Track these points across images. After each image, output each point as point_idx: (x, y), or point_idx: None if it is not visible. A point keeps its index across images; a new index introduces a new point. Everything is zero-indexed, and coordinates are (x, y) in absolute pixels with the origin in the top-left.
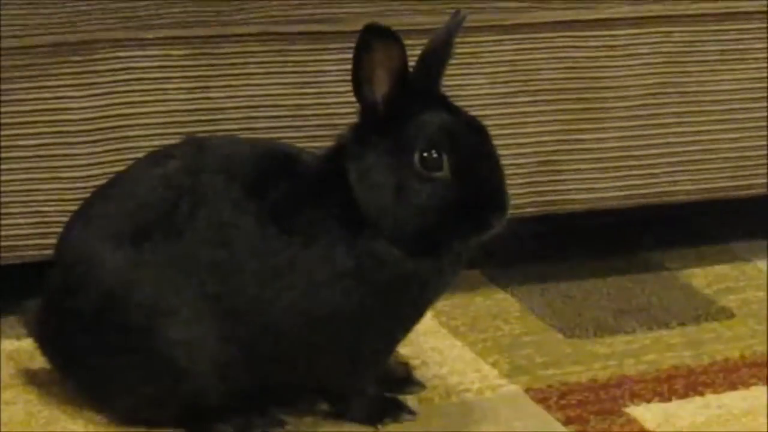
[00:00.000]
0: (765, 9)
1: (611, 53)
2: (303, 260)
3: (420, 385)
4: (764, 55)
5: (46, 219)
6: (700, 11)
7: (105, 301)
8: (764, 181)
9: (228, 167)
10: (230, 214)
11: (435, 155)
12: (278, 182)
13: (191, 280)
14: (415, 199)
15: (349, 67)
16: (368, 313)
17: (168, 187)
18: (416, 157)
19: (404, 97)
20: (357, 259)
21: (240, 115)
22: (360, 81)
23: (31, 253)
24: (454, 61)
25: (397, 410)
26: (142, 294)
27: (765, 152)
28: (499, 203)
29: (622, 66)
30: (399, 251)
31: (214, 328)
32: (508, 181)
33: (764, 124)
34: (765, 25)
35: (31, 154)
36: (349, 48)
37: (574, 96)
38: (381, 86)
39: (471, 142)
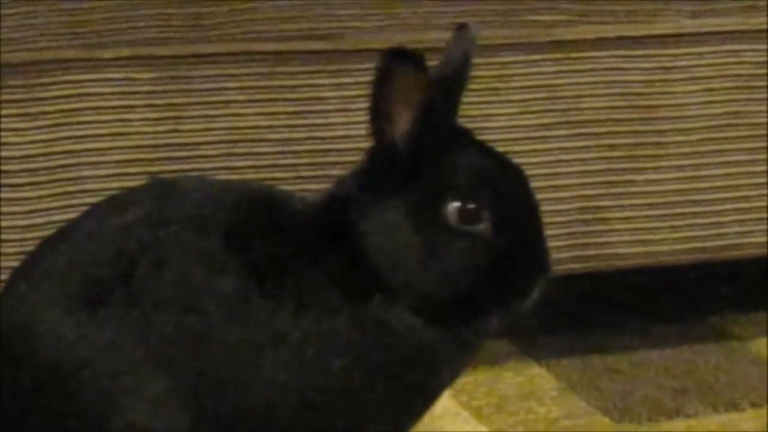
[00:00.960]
0: None
1: (669, 77)
2: (293, 331)
3: None
4: None
5: None
6: None
7: (51, 378)
8: None
9: (200, 217)
10: (203, 275)
11: (473, 205)
12: (263, 236)
13: (156, 353)
14: (449, 260)
15: (349, 93)
16: (375, 395)
17: (128, 241)
18: (449, 208)
19: (427, 135)
20: (363, 330)
21: (217, 152)
22: (378, 117)
23: None
24: (477, 87)
25: None
26: (97, 370)
27: None
28: (544, 264)
29: (683, 92)
30: (418, 320)
31: (183, 411)
32: (546, 232)
33: None
34: None
35: None
36: (350, 70)
37: (625, 129)
38: (403, 123)
39: (511, 189)
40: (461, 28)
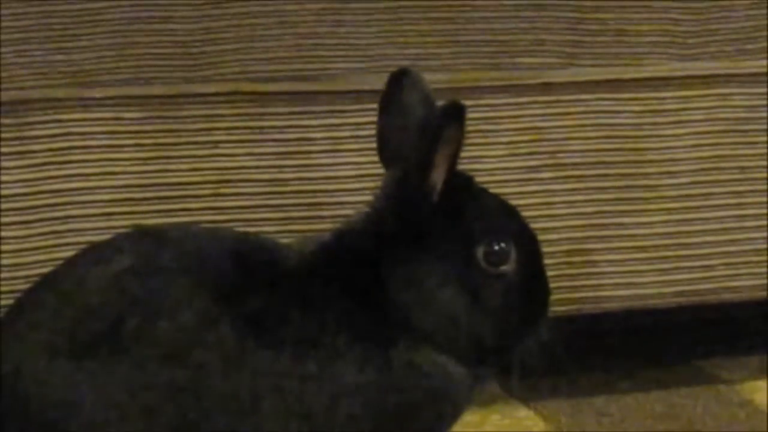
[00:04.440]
0: None
1: (658, 120)
2: (293, 378)
3: None
4: None
5: None
6: (765, 69)
7: (35, 424)
8: None
9: (192, 267)
10: (196, 327)
11: (503, 245)
12: (258, 286)
13: (146, 407)
14: (491, 304)
15: (337, 134)
16: None
17: (116, 292)
18: (481, 252)
19: (452, 183)
20: (380, 372)
21: (205, 192)
22: (423, 168)
23: None
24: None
25: None
26: (83, 422)
27: None
28: (550, 293)
29: (671, 135)
30: (447, 359)
31: None
32: None
33: None
34: None
35: None
36: (338, 111)
37: (612, 171)
38: (441, 172)
39: (522, 227)
40: (403, 74)
